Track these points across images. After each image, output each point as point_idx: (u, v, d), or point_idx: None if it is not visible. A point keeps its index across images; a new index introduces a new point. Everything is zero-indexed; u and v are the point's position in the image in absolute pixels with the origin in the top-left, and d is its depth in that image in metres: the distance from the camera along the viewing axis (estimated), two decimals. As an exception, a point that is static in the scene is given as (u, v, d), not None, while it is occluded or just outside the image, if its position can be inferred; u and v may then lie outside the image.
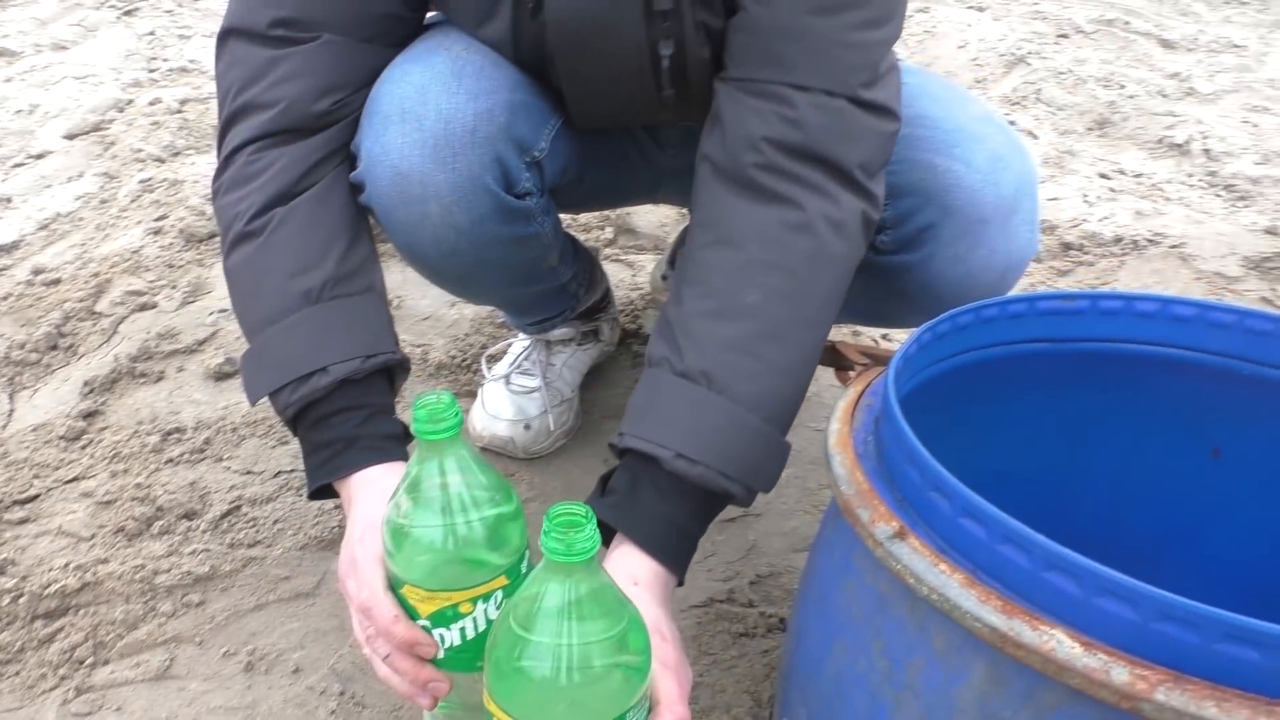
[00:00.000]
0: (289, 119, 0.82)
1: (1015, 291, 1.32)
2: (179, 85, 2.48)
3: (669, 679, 0.63)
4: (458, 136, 0.84)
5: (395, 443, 0.79)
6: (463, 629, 0.67)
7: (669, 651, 0.66)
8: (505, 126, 0.86)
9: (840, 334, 1.49)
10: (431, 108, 0.84)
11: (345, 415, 0.78)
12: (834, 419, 0.72)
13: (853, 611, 0.65)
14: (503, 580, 0.67)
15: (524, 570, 0.68)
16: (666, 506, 0.72)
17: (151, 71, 2.55)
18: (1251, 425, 0.84)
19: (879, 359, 0.86)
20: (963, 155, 0.87)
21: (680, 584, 0.74)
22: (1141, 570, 0.95)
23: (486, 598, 0.66)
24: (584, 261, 1.20)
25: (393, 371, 0.82)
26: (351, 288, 0.81)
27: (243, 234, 0.81)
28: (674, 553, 0.73)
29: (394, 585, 0.68)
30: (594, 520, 0.54)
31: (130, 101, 2.34)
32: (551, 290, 1.13)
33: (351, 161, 0.86)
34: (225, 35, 0.83)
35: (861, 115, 0.77)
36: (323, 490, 0.79)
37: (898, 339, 1.49)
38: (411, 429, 0.64)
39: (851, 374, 0.84)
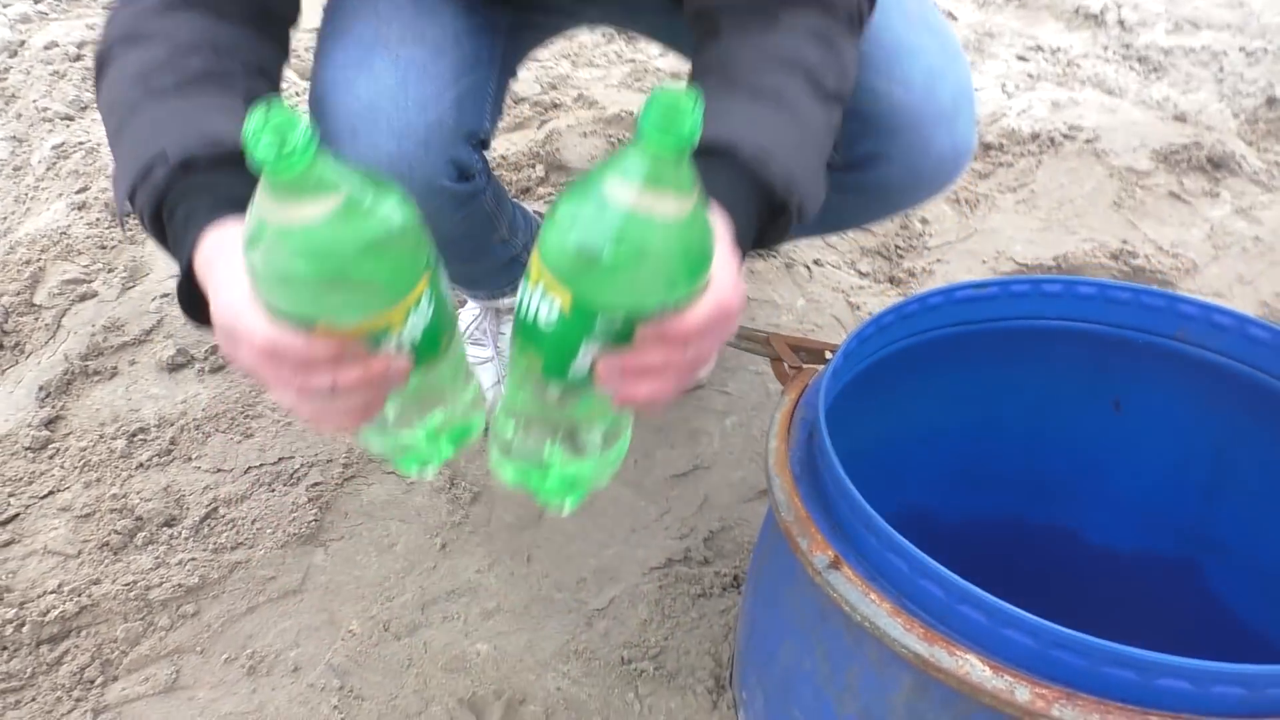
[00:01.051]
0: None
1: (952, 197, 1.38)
2: (71, 18, 2.36)
3: (725, 265, 0.58)
4: (411, 153, 0.86)
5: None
6: (398, 343, 0.56)
7: (729, 247, 0.62)
8: (455, 127, 0.89)
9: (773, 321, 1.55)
10: (383, 125, 0.85)
11: (197, 198, 0.64)
12: (772, 435, 0.79)
13: (797, 617, 0.74)
14: (424, 281, 0.56)
15: (437, 262, 0.58)
16: (739, 187, 0.67)
17: (38, 2, 2.41)
18: (1146, 382, 0.93)
19: (811, 351, 0.93)
20: (901, 76, 0.90)
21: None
22: (1052, 505, 1.07)
23: (415, 305, 0.55)
24: (534, 230, 1.24)
25: None
26: (210, 85, 0.70)
27: (99, 67, 0.74)
28: (738, 228, 0.65)
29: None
30: (700, 108, 0.49)
31: (23, 43, 2.23)
32: (504, 262, 1.17)
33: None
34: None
35: None
36: (193, 302, 0.64)
37: (827, 326, 1.55)
38: (252, 162, 0.47)
39: (787, 369, 0.91)
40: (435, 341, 0.59)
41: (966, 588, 0.60)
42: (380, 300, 0.53)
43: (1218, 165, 1.73)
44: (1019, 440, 1.02)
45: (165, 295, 1.45)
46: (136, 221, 0.67)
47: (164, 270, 1.51)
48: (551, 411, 0.61)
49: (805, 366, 0.88)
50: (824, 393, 0.76)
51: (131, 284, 1.48)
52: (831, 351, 0.91)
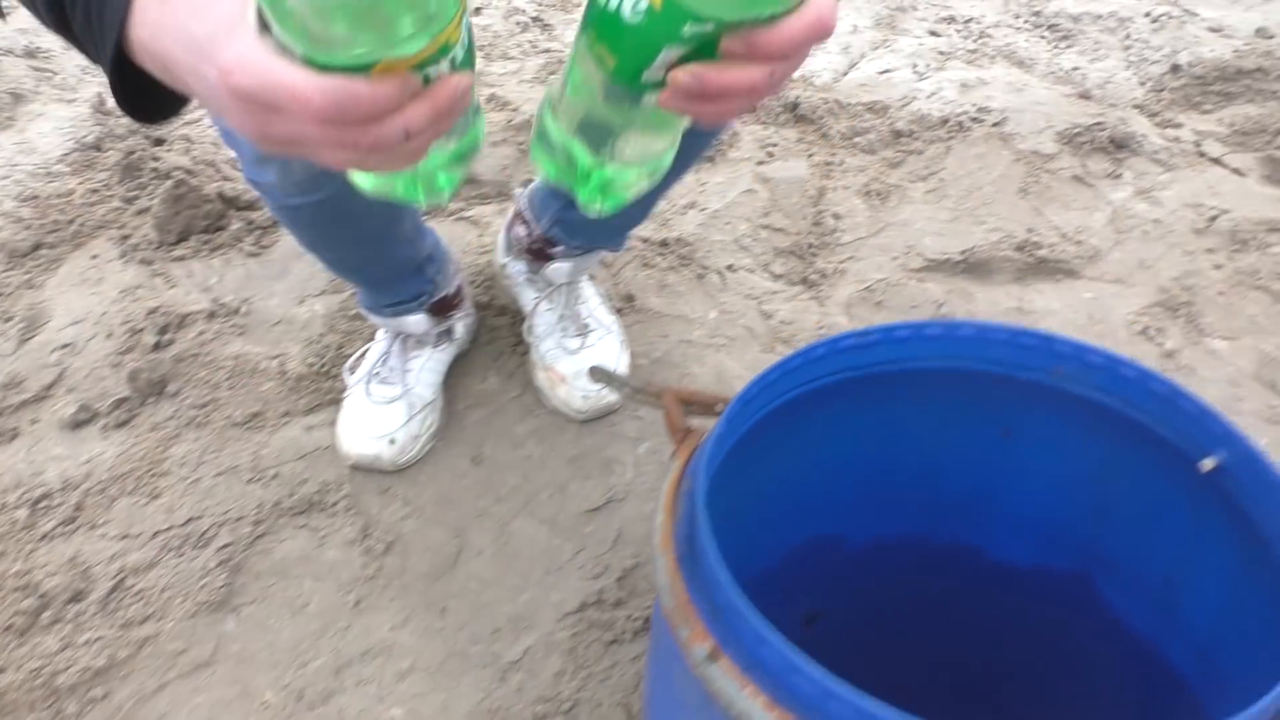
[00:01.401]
0: None
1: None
2: (-42, 32, 2.26)
3: None
4: None
5: None
6: (451, 61, 0.49)
7: None
8: None
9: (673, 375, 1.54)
10: None
11: None
12: (659, 509, 0.79)
13: (686, 698, 0.75)
14: None
15: None
16: None
17: (-79, 18, 2.31)
18: (1031, 413, 0.95)
19: (702, 405, 0.93)
20: None
21: None
22: (953, 525, 1.09)
23: (463, 14, 0.49)
24: (441, 250, 1.26)
25: None
26: None
27: None
28: None
29: None
30: None
31: (-95, 64, 2.14)
32: (410, 266, 1.18)
33: None
34: None
35: None
36: (132, 91, 0.54)
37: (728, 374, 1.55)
38: None
39: (678, 427, 0.91)
40: (472, 49, 0.52)
41: (831, 685, 0.62)
42: (444, 13, 0.46)
43: (1120, 145, 1.75)
44: (917, 467, 1.04)
45: (65, 346, 1.42)
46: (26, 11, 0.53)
47: (64, 316, 1.47)
48: (606, 116, 0.56)
49: (692, 430, 0.89)
50: (705, 465, 0.76)
51: (30, 334, 1.45)
52: (723, 405, 0.92)
